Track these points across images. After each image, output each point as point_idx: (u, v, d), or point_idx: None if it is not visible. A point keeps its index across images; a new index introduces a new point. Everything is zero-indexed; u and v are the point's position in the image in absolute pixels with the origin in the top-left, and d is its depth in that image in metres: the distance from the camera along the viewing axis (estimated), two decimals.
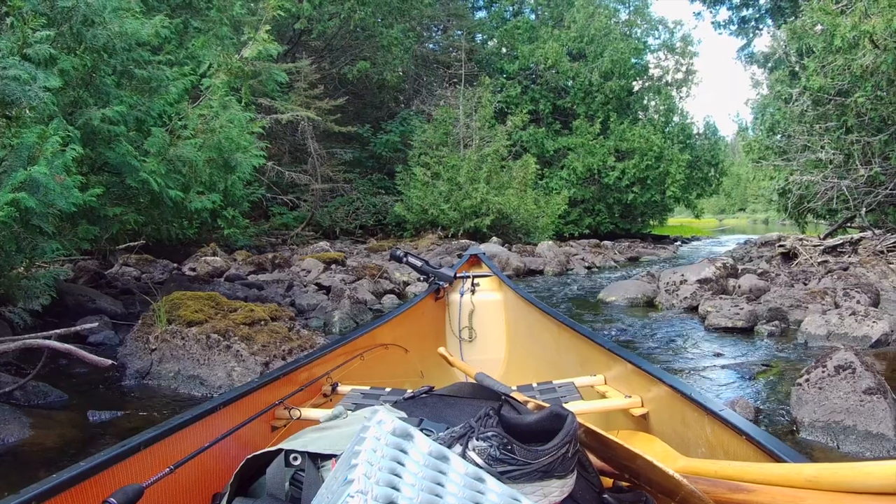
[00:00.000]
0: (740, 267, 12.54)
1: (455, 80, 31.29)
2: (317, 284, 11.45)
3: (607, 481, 2.19)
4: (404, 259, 6.17)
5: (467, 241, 22.40)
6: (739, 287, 10.24)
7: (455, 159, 26.57)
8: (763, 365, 6.43)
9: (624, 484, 2.18)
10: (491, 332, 6.15)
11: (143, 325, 6.32)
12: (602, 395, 3.43)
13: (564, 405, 2.88)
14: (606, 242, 27.53)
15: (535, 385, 3.58)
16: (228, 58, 9.13)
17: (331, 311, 9.12)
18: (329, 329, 8.56)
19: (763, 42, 40.90)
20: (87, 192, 6.26)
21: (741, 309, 8.29)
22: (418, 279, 6.34)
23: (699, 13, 47.03)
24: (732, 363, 6.64)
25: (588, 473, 1.99)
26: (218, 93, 8.68)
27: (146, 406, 5.28)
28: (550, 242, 22.64)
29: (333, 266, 13.59)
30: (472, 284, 6.28)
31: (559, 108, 38.79)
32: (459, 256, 15.88)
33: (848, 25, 12.57)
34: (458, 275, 6.28)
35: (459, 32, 38.56)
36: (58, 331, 6.03)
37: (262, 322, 6.26)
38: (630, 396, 3.21)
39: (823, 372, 4.57)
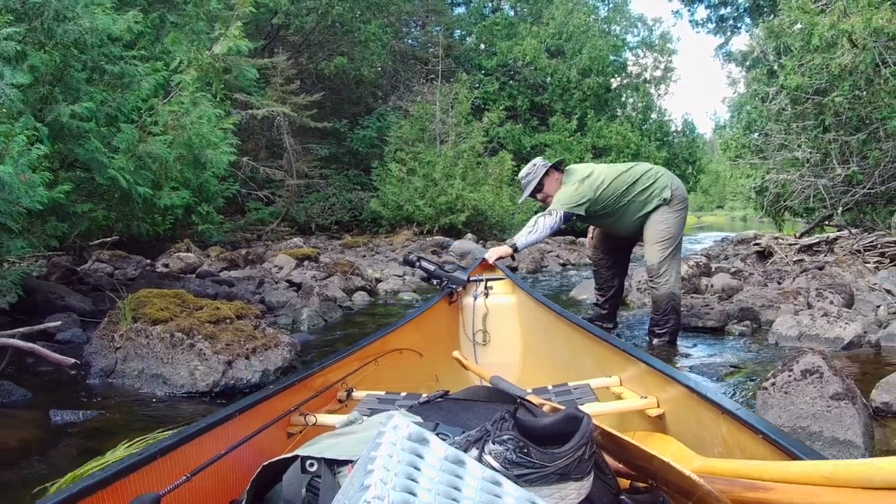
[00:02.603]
0: (714, 265, 12.52)
1: (432, 76, 31.21)
2: (288, 281, 11.37)
3: (624, 483, 2.24)
4: (417, 263, 6.36)
5: (442, 237, 22.34)
6: (712, 286, 10.21)
7: (431, 155, 26.53)
8: (731, 366, 6.39)
9: (641, 485, 2.24)
10: (505, 335, 6.12)
11: (109, 322, 6.29)
12: (617, 397, 3.46)
13: (580, 407, 2.87)
14: (582, 239, 27.23)
15: (550, 387, 3.59)
16: (199, 54, 9.08)
17: (300, 308, 9.07)
18: (297, 327, 8.53)
19: (741, 41, 40.93)
20: (55, 189, 6.25)
21: (712, 309, 8.29)
22: (423, 279, 6.36)
23: (678, 11, 46.99)
24: (700, 364, 6.58)
25: (605, 475, 2.01)
26: (188, 89, 8.64)
27: (109, 405, 5.26)
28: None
29: (306, 262, 13.53)
30: (486, 288, 6.26)
31: (537, 105, 38.81)
32: (434, 252, 15.86)
33: (826, 24, 12.58)
34: (471, 278, 6.28)
35: (438, 28, 38.55)
36: (21, 329, 6.02)
37: (228, 320, 6.24)
38: (646, 397, 3.23)
39: (790, 376, 4.52)
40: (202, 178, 9.61)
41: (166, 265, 12.76)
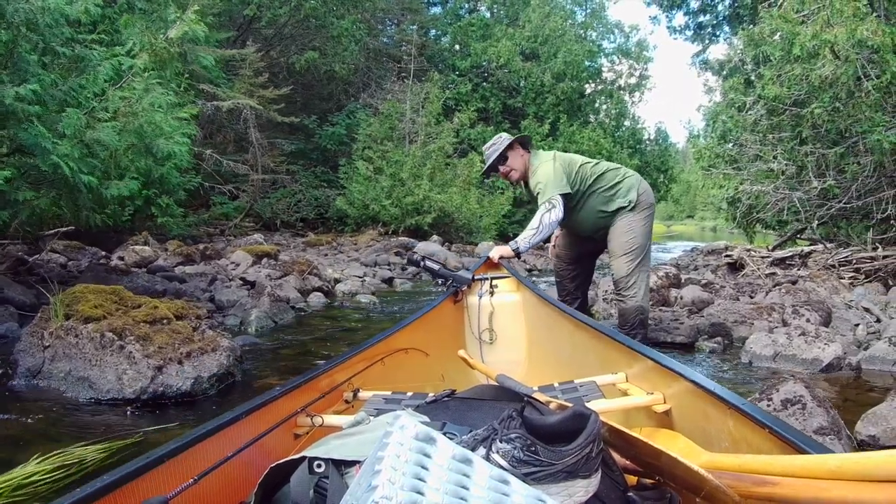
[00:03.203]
0: (683, 276, 12.16)
1: (404, 74, 30.96)
2: (242, 279, 10.91)
3: (632, 479, 2.26)
4: (422, 263, 6.18)
5: (407, 238, 21.93)
6: (682, 298, 9.78)
7: (399, 154, 26.23)
8: None
9: (648, 481, 2.25)
10: (511, 333, 6.11)
11: (41, 319, 5.87)
12: (624, 393, 3.45)
13: (587, 404, 2.94)
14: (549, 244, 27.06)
15: (556, 385, 3.59)
16: (153, 38, 8.67)
17: (249, 308, 8.59)
18: (244, 328, 8.10)
19: (719, 50, 40.77)
20: None
21: (681, 323, 7.87)
22: (427, 276, 6.28)
23: (655, 17, 46.92)
24: None
25: (612, 472, 2.00)
26: (141, 74, 8.29)
27: (30, 410, 4.87)
28: (491, 242, 22.37)
29: (264, 260, 13.10)
30: (491, 286, 6.24)
31: (509, 108, 38.63)
32: (397, 254, 15.57)
33: (808, 34, 12.33)
34: (476, 277, 6.24)
35: (413, 27, 38.32)
36: None
37: (165, 321, 5.83)
38: (652, 393, 3.20)
39: (769, 406, 4.15)
40: (163, 169, 9.40)
41: (121, 258, 12.28)
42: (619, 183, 6.66)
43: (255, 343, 7.36)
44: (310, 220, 27.30)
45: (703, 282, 11.75)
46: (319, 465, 1.92)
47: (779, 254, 14.33)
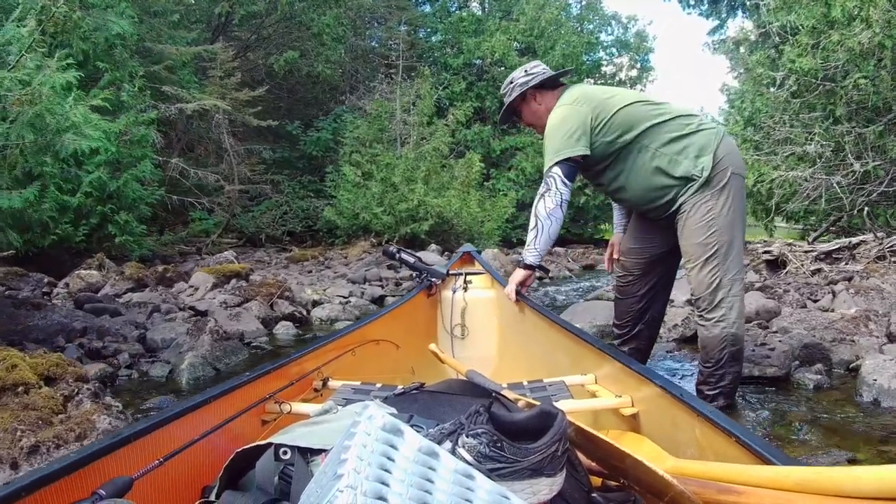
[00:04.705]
0: None
1: (393, 70, 29.49)
2: (192, 308, 8.82)
3: (596, 481, 2.26)
4: (397, 255, 6.22)
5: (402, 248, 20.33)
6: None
7: (390, 157, 24.53)
8: (849, 458, 3.71)
9: (613, 484, 2.25)
10: (483, 329, 6.21)
11: None
12: (592, 395, 3.49)
13: (555, 404, 2.49)
14: (558, 249, 25.43)
15: (525, 383, 3.60)
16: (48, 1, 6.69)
17: (184, 351, 6.42)
18: (175, 378, 6.01)
19: (735, 27, 39.16)
20: None
21: (772, 349, 5.62)
22: (413, 279, 6.30)
23: None
24: (791, 451, 3.85)
25: (577, 472, 2.05)
26: (33, 48, 6.44)
27: None
28: (496, 250, 20.59)
29: (232, 282, 11.07)
30: (465, 282, 6.37)
31: None
32: (390, 267, 14.34)
33: None
34: (450, 272, 6.41)
35: (403, 27, 37.06)
36: None
37: (21, 388, 3.83)
38: (620, 396, 3.22)
39: None
40: (119, 182, 8.00)
41: (67, 285, 10.75)
42: (685, 136, 4.37)
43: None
44: (297, 233, 25.90)
45: (758, 285, 9.72)
46: (286, 452, 1.94)
47: (824, 247, 12.89)
